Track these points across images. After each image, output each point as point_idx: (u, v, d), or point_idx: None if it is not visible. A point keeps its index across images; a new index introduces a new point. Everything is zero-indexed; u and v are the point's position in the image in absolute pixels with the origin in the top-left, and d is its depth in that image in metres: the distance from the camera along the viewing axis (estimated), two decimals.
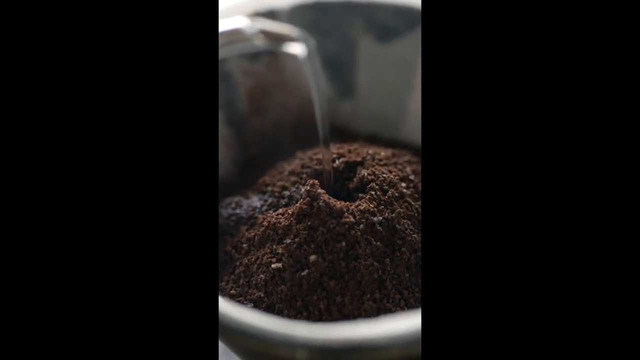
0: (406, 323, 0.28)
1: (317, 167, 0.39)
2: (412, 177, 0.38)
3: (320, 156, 0.39)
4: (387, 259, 0.35)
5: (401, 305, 0.34)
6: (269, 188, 0.40)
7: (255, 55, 0.45)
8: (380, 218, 0.35)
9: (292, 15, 0.44)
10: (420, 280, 0.35)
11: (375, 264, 0.34)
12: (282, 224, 0.36)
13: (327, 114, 0.35)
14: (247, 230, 0.38)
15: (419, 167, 0.40)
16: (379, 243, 0.35)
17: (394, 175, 0.38)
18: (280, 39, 0.32)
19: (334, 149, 0.40)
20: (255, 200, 0.40)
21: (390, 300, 0.34)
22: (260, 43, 0.32)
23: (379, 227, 0.35)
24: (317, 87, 0.34)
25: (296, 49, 0.32)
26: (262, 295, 0.35)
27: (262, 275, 0.35)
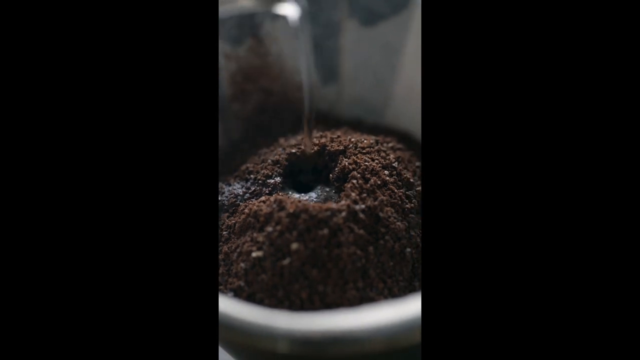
0: (390, 313, 0.27)
1: (297, 153, 0.39)
2: (395, 164, 0.38)
3: (301, 144, 0.39)
4: (371, 247, 0.34)
5: (385, 294, 0.34)
6: (252, 176, 0.39)
7: (237, 39, 0.44)
8: (363, 206, 0.35)
9: None
10: (404, 269, 0.35)
11: (359, 252, 0.34)
12: (264, 211, 0.35)
13: (313, 85, 0.34)
14: (228, 217, 0.38)
15: (403, 154, 0.40)
16: (362, 231, 0.34)
17: (377, 164, 0.37)
18: None
19: (316, 138, 0.40)
20: (238, 187, 0.39)
21: (374, 289, 0.34)
22: (251, 3, 0.31)
23: (361, 215, 0.34)
24: (306, 51, 0.33)
25: (288, 10, 0.31)
26: (242, 284, 0.34)
27: (242, 264, 0.35)
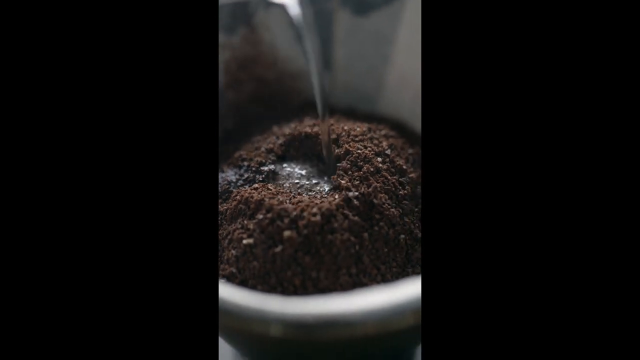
0: (382, 297, 0.28)
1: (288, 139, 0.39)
2: (388, 151, 0.38)
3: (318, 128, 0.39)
4: (365, 234, 0.34)
5: (377, 280, 0.34)
6: (246, 163, 0.39)
7: (231, 28, 0.44)
8: (357, 193, 0.35)
9: None
10: (398, 255, 0.35)
11: (352, 238, 0.34)
12: (255, 198, 0.35)
13: (324, 73, 0.34)
14: (220, 204, 0.38)
15: (395, 141, 0.40)
16: (356, 217, 0.34)
17: (369, 151, 0.37)
18: None
19: (309, 126, 0.40)
20: (231, 174, 0.39)
21: (367, 276, 0.34)
22: None
23: (355, 202, 0.35)
24: (311, 42, 0.33)
25: None
26: (234, 270, 0.34)
27: (233, 251, 0.35)
